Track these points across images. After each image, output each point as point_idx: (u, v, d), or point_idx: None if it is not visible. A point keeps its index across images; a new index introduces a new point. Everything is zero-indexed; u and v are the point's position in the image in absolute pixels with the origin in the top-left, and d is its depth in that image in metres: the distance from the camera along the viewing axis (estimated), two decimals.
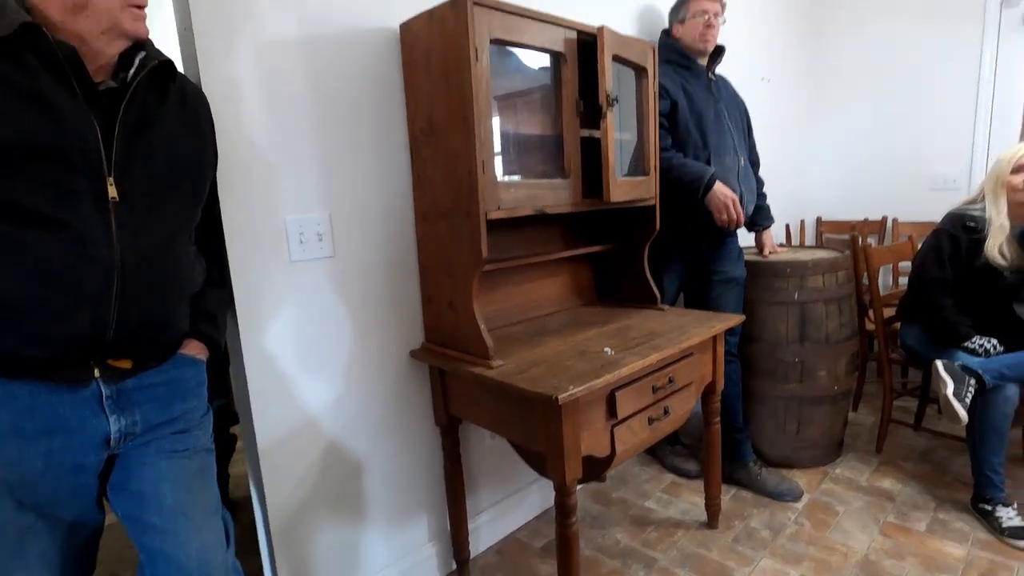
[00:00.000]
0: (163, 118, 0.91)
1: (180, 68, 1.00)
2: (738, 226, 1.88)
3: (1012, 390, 1.72)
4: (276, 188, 1.25)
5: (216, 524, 0.97)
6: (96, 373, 0.86)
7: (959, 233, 1.88)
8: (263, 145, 1.23)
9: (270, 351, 1.28)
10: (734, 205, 1.81)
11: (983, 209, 1.87)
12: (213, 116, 1.06)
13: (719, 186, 1.81)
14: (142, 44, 0.89)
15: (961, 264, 1.89)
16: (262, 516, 1.34)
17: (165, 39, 1.18)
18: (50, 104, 0.78)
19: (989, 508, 1.75)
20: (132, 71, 0.87)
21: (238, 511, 1.80)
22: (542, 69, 1.47)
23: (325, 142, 1.32)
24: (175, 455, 0.95)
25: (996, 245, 1.81)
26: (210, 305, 1.05)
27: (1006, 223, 1.82)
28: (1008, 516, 1.71)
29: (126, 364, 0.89)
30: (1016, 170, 1.81)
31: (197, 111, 1.00)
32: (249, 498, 1.35)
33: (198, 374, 1.02)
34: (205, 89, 1.10)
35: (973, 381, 1.73)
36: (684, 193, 1.83)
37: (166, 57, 0.91)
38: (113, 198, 0.82)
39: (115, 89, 0.85)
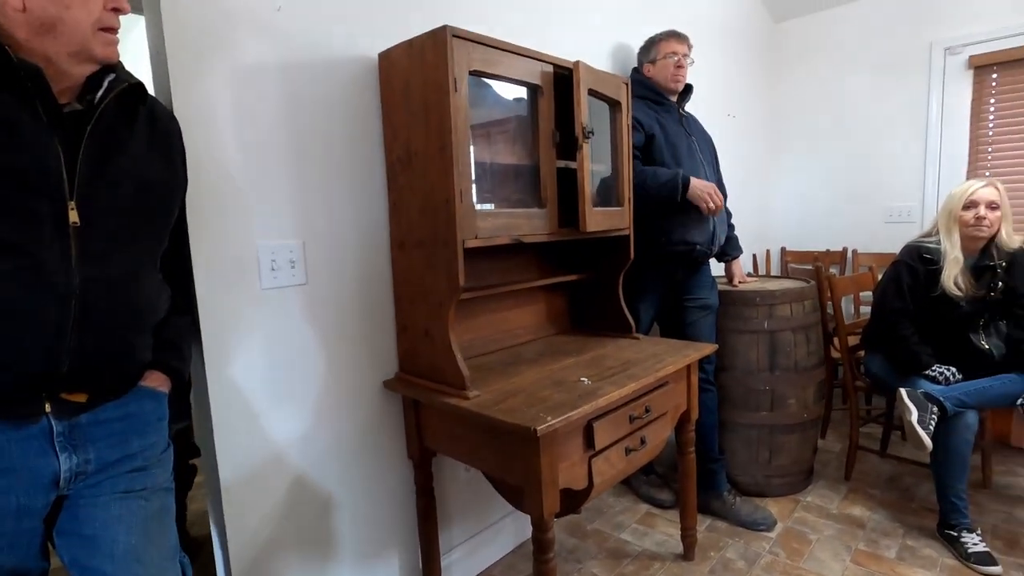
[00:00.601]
0: (131, 142, 0.88)
1: (151, 90, 0.97)
2: (718, 212, 1.93)
3: (972, 417, 1.78)
4: (248, 214, 1.22)
5: (174, 570, 0.92)
6: (47, 407, 0.81)
7: (917, 264, 1.96)
8: (236, 170, 1.20)
9: (236, 382, 1.23)
10: (715, 192, 1.86)
11: (938, 242, 1.95)
12: (184, 139, 1.03)
13: (695, 180, 1.87)
14: (112, 66, 0.86)
15: (920, 294, 1.96)
16: (223, 557, 1.26)
17: (136, 60, 1.15)
18: (10, 125, 0.74)
19: (955, 534, 1.79)
20: (100, 93, 0.84)
21: (196, 551, 1.70)
22: (517, 100, 1.49)
23: (300, 168, 1.30)
24: (131, 495, 0.89)
25: (951, 276, 1.89)
26: (174, 334, 1.01)
27: (960, 256, 1.91)
28: (973, 542, 1.74)
29: (81, 398, 0.84)
30: (967, 206, 1.90)
31: (168, 134, 0.97)
32: (209, 537, 1.27)
33: (159, 408, 0.96)
34: (177, 112, 1.08)
35: (935, 408, 1.78)
36: (663, 200, 1.86)
37: (136, 80, 0.88)
38: (75, 223, 0.79)
39: (81, 111, 0.82)
